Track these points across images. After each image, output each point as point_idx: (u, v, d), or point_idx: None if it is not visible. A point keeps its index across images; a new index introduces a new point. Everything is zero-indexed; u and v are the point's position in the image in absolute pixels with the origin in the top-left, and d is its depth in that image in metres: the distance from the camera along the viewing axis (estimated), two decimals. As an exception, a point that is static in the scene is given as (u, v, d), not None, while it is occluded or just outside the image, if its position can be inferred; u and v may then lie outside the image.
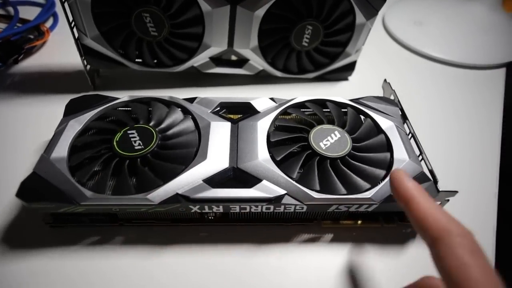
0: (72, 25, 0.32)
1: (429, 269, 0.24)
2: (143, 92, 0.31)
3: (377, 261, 0.25)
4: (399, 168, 0.19)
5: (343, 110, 0.30)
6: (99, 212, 0.24)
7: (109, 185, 0.24)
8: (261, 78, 0.40)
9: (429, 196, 0.18)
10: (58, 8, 0.49)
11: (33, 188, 0.23)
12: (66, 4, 0.30)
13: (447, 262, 0.13)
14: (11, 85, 0.38)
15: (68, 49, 0.37)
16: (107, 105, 0.29)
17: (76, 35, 0.33)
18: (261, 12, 0.32)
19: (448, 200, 0.25)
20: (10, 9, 0.49)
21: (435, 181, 0.25)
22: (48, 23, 0.47)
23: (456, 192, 0.24)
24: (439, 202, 0.25)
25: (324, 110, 0.30)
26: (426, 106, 0.38)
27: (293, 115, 0.30)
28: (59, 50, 0.43)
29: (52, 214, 0.25)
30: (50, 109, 0.33)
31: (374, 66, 0.44)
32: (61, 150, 0.25)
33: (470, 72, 0.44)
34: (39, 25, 0.44)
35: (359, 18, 0.35)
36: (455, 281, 0.12)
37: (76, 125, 0.27)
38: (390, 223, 0.26)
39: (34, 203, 0.23)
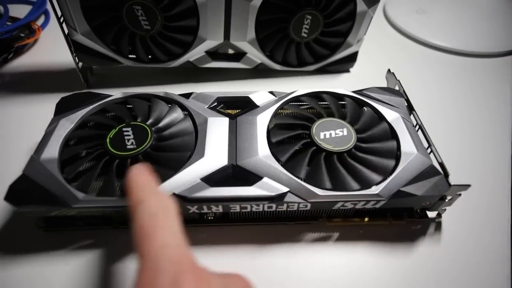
0: (61, 20, 0.31)
1: (440, 267, 0.23)
2: (138, 89, 0.29)
3: (386, 260, 0.24)
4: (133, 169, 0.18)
5: (342, 102, 0.29)
6: (93, 215, 0.23)
7: (94, 185, 0.23)
8: (259, 72, 0.39)
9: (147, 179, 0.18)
10: (50, 6, 0.48)
11: (22, 191, 0.22)
12: (54, -1, 0.29)
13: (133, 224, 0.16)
14: (2, 84, 0.37)
15: (60, 47, 0.36)
16: (99, 102, 0.28)
17: (66, 31, 0.32)
18: (257, 1, 0.31)
19: (460, 195, 0.23)
20: (0, 7, 0.47)
21: (446, 175, 0.23)
22: (40, 21, 0.46)
23: (468, 186, 0.22)
24: (450, 197, 0.24)
25: (323, 103, 0.29)
26: (431, 97, 0.37)
27: (290, 110, 0.29)
28: (51, 48, 0.42)
29: (44, 217, 0.24)
30: (42, 108, 0.31)
31: (376, 57, 0.43)
32: (52, 151, 0.24)
33: (476, 61, 0.42)
34: (30, 23, 0.43)
35: (360, 6, 0.33)
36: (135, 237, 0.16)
37: (67, 124, 0.26)
38: (399, 220, 0.25)
39: (24, 207, 0.21)
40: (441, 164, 0.24)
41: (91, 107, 0.27)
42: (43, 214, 0.23)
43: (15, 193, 0.22)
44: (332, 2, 0.33)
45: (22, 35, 0.42)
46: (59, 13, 0.30)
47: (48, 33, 0.44)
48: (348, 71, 0.41)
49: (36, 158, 0.24)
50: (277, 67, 0.38)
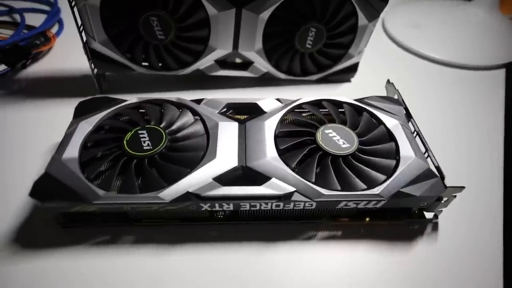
0: (81, 29, 0.33)
1: (436, 266, 0.25)
2: (150, 95, 0.31)
3: (385, 258, 0.25)
4: None
5: (341, 110, 0.31)
6: (111, 212, 0.25)
7: (115, 184, 0.25)
8: (265, 80, 0.40)
9: None
10: (63, 15, 0.50)
11: (45, 187, 0.23)
12: (75, 9, 0.31)
13: None
14: (20, 89, 0.39)
15: (74, 54, 0.38)
16: (117, 106, 0.29)
17: (84, 39, 0.33)
18: (266, 15, 0.33)
19: (455, 196, 0.25)
20: (17, 16, 0.49)
21: (442, 177, 0.25)
22: (54, 29, 0.48)
23: (463, 187, 0.24)
24: (446, 198, 0.25)
25: (324, 110, 0.31)
26: (428, 106, 0.39)
27: (295, 117, 0.31)
28: (65, 55, 0.44)
29: (64, 214, 0.25)
30: (59, 112, 0.33)
31: (376, 68, 0.45)
32: (72, 151, 0.26)
33: (469, 73, 0.45)
34: (45, 31, 0.45)
35: (362, 20, 0.36)
36: None
37: (86, 126, 0.28)
38: (398, 220, 0.27)
39: (47, 202, 0.23)
40: (438, 168, 0.26)
41: (107, 111, 0.29)
42: (65, 210, 0.24)
43: (39, 189, 0.23)
44: (335, 16, 0.35)
45: (37, 42, 0.44)
46: (79, 22, 0.32)
47: (62, 41, 0.46)
48: (349, 80, 0.43)
49: (58, 158, 0.25)
50: (282, 76, 0.40)
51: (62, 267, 0.24)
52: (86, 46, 0.34)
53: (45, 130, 0.33)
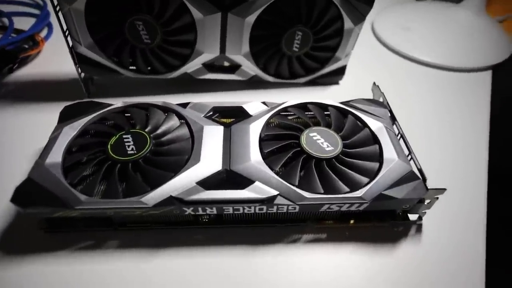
0: (66, 33, 0.33)
1: (420, 267, 0.25)
2: (137, 99, 0.31)
3: (370, 260, 0.25)
4: None
5: (327, 112, 0.31)
6: (94, 216, 0.25)
7: (99, 188, 0.25)
8: (253, 84, 0.41)
9: None
10: (53, 19, 0.50)
11: (27, 193, 0.23)
12: (60, 13, 0.31)
13: None
14: (6, 93, 0.39)
15: (62, 58, 0.38)
16: (101, 111, 0.29)
17: (70, 43, 0.33)
18: (251, 18, 0.33)
19: (437, 198, 0.25)
20: (5, 20, 0.49)
21: (424, 179, 0.25)
22: (43, 33, 0.48)
23: (444, 189, 0.24)
24: (428, 200, 0.25)
25: (309, 113, 0.31)
26: (415, 108, 0.39)
27: (280, 121, 0.31)
28: (54, 59, 0.44)
29: (47, 219, 0.25)
30: (45, 116, 0.33)
31: (364, 70, 0.45)
32: (56, 156, 0.25)
33: (456, 75, 0.45)
34: (33, 35, 0.45)
35: (347, 23, 0.36)
36: None
37: (70, 131, 0.27)
38: (382, 222, 0.27)
39: (29, 208, 0.23)
40: (420, 170, 0.26)
41: (92, 115, 0.29)
42: (47, 216, 0.24)
43: (21, 195, 0.23)
44: (321, 19, 0.35)
45: (26, 46, 0.44)
46: (65, 27, 0.32)
47: (51, 45, 0.46)
48: (337, 83, 0.43)
49: (41, 163, 0.25)
50: (270, 79, 0.40)
51: (45, 273, 0.24)
52: (73, 50, 0.34)
53: (31, 135, 0.33)
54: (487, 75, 0.45)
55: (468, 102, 0.41)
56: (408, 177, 0.25)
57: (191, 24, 0.33)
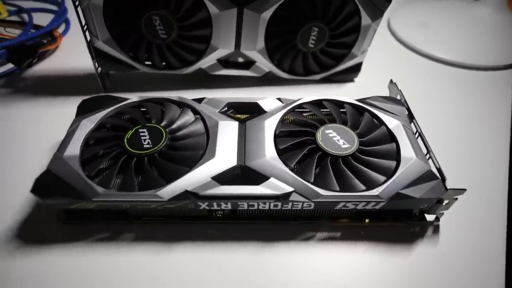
0: (85, 28, 0.33)
1: (436, 269, 0.25)
2: (152, 94, 0.31)
3: (385, 260, 0.25)
4: None
5: (343, 110, 0.31)
6: (110, 209, 0.25)
7: (115, 181, 0.25)
8: (267, 80, 0.40)
9: None
10: (70, 15, 0.51)
11: (47, 184, 0.24)
12: (79, 8, 0.31)
13: None
14: (26, 87, 0.39)
15: (79, 53, 0.38)
16: (118, 105, 0.30)
17: (88, 38, 0.34)
18: (267, 14, 0.33)
19: (456, 199, 0.25)
20: (25, 16, 0.50)
21: (443, 179, 0.25)
22: (61, 29, 0.49)
23: (464, 190, 0.24)
24: (447, 201, 0.25)
25: (325, 110, 0.30)
26: (431, 106, 0.38)
27: (295, 117, 0.30)
28: (71, 54, 0.45)
29: (65, 211, 0.26)
30: (63, 110, 0.33)
31: (380, 68, 0.44)
32: (74, 149, 0.26)
33: (476, 73, 0.44)
34: (52, 30, 0.46)
35: (365, 19, 0.35)
36: None
37: (88, 125, 0.28)
38: (398, 222, 0.26)
39: (48, 199, 0.23)
40: (439, 170, 0.25)
41: (109, 109, 0.29)
42: (65, 207, 0.24)
43: (40, 186, 0.24)
44: (338, 15, 0.35)
45: (44, 41, 0.44)
46: (83, 22, 0.33)
47: (68, 40, 0.47)
48: (352, 80, 0.42)
49: (59, 155, 0.25)
50: (285, 75, 0.40)
51: (62, 263, 0.24)
52: (90, 45, 0.34)
53: (49, 128, 0.34)
54: (508, 74, 0.44)
55: (488, 101, 0.40)
56: (427, 177, 0.25)
57: (207, 19, 0.33)
